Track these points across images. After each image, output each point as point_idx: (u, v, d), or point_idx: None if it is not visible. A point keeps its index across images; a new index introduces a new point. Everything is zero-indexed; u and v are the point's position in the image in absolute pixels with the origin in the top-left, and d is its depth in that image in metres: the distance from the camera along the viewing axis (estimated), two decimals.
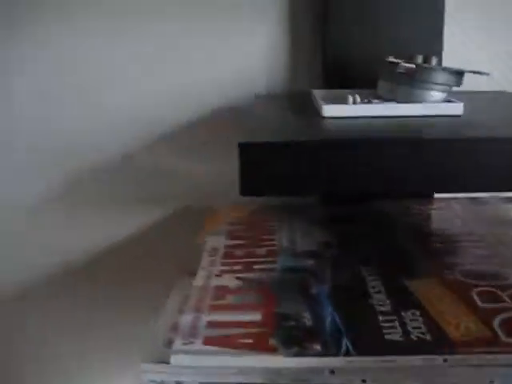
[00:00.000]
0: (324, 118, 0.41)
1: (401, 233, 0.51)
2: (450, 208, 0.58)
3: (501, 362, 0.33)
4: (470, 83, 0.47)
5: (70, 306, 0.71)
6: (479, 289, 0.40)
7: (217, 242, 0.51)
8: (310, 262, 0.45)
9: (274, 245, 0.49)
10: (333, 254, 0.47)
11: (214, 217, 0.58)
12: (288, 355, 0.33)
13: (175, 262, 0.57)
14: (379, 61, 0.46)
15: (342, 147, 0.34)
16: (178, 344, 0.34)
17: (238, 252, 0.48)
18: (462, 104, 0.42)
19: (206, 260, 0.47)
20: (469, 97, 0.46)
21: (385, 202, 0.59)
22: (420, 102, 0.43)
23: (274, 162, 0.34)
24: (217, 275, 0.44)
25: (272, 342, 0.34)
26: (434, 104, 0.42)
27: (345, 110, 0.42)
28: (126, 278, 0.69)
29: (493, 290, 0.40)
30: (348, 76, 0.57)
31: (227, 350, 0.34)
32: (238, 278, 0.43)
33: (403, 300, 0.39)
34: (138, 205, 0.68)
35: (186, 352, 0.34)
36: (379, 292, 0.40)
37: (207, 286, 0.42)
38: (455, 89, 0.44)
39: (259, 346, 0.34)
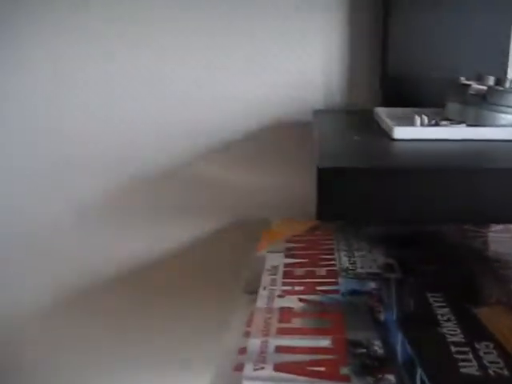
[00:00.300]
0: (394, 139, 0.41)
1: (464, 256, 0.50)
2: (508, 231, 0.56)
3: None
4: None
5: (118, 319, 0.71)
6: None
7: (275, 260, 0.50)
8: (373, 285, 0.44)
9: (333, 265, 0.48)
10: (396, 278, 0.46)
11: (271, 232, 0.58)
12: None
13: (229, 275, 0.57)
14: (448, 81, 0.45)
15: (419, 175, 0.33)
16: (248, 369, 0.34)
17: (299, 272, 0.48)
18: None
19: (266, 279, 0.46)
20: None
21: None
22: (490, 125, 0.42)
23: (353, 188, 0.33)
24: (279, 296, 0.43)
25: (344, 371, 0.34)
26: (505, 128, 0.41)
27: (415, 132, 0.41)
28: (179, 291, 0.69)
29: None
30: (407, 94, 0.56)
31: (299, 377, 0.33)
32: (301, 300, 0.42)
33: (475, 330, 0.38)
34: (192, 216, 0.67)
35: (257, 378, 0.33)
36: (449, 320, 0.39)
37: (271, 308, 0.41)
38: None
39: (331, 374, 0.33)
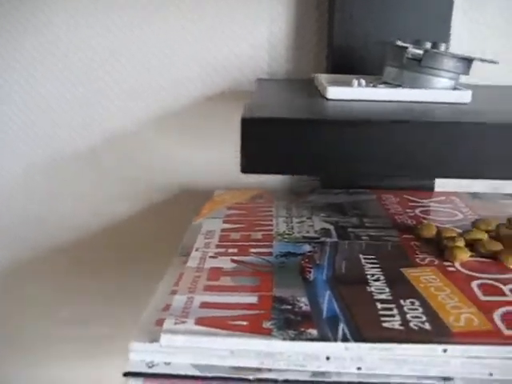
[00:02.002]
0: (328, 99, 0.40)
1: (400, 224, 0.50)
2: (450, 202, 0.57)
3: (501, 354, 0.32)
4: (479, 76, 0.46)
5: (63, 284, 0.70)
6: (479, 281, 0.39)
7: (213, 225, 0.50)
8: (307, 248, 0.44)
9: (270, 230, 0.48)
10: (331, 241, 0.46)
11: (213, 201, 0.57)
12: (284, 339, 0.32)
13: (170, 244, 0.56)
14: (386, 45, 0.45)
15: (346, 127, 0.33)
16: (168, 323, 0.33)
17: (235, 236, 0.47)
18: (469, 92, 0.41)
19: (200, 242, 0.46)
20: (478, 89, 0.45)
21: (385, 193, 0.59)
22: (427, 88, 0.42)
23: (277, 139, 0.33)
24: (211, 257, 0.43)
25: (267, 324, 0.33)
26: (440, 90, 0.41)
27: (349, 92, 0.41)
28: (123, 259, 0.68)
29: (493, 283, 0.39)
30: (353, 62, 0.56)
31: (219, 331, 0.33)
32: (233, 261, 0.42)
33: (402, 288, 0.38)
34: (136, 189, 0.66)
35: (177, 332, 0.33)
36: (378, 280, 0.39)
37: (201, 268, 0.41)
38: (465, 81, 0.43)
39: (253, 328, 0.33)
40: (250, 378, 0.32)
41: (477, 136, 0.33)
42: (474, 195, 0.60)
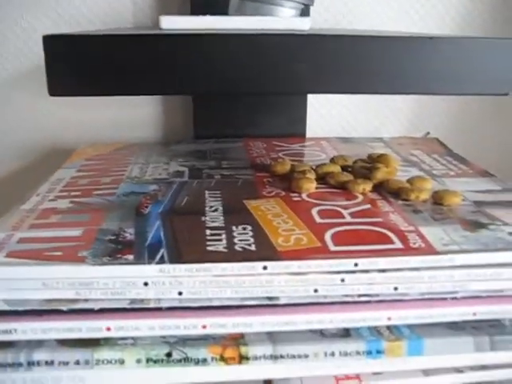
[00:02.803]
0: (161, 29, 0.39)
1: (259, 164, 0.49)
2: (318, 145, 0.56)
3: (325, 268, 0.31)
4: None
5: None
6: (321, 207, 0.39)
7: (64, 174, 0.47)
8: (152, 187, 0.43)
9: (122, 175, 0.46)
10: (181, 181, 0.44)
11: (75, 154, 0.54)
12: (94, 264, 0.30)
13: None
14: None
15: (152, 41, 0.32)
16: None
17: (83, 181, 0.45)
18: (308, 18, 0.40)
19: (44, 188, 0.43)
20: None
21: (254, 140, 0.58)
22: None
23: (84, 57, 0.31)
24: (50, 200, 0.41)
25: (83, 253, 0.31)
26: (275, 18, 0.40)
27: (183, 21, 0.39)
28: None
29: (335, 208, 0.39)
30: (213, 4, 0.54)
31: (30, 261, 0.31)
32: (71, 202, 0.40)
33: (238, 217, 0.37)
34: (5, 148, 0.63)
35: None
36: (215, 210, 0.38)
37: (34, 209, 0.39)
38: None
39: (67, 257, 0.31)
40: (64, 308, 0.30)
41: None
42: (345, 139, 0.59)
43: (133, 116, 0.62)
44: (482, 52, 0.34)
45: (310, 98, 0.62)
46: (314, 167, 0.45)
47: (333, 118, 0.65)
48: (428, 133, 0.65)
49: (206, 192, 0.41)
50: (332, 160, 0.47)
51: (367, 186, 0.41)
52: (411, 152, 0.55)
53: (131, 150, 0.55)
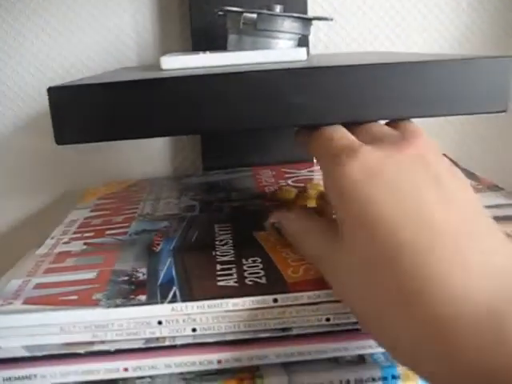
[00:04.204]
0: (163, 70, 0.40)
1: (267, 193, 0.50)
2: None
3: (335, 298, 0.31)
4: None
5: None
6: None
7: (78, 215, 0.48)
8: (164, 224, 0.43)
9: (134, 213, 0.47)
10: (192, 215, 0.45)
11: (87, 193, 0.56)
12: (108, 307, 0.31)
13: None
14: (227, 13, 0.45)
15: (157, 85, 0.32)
16: None
17: (96, 221, 0.46)
18: (304, 48, 0.41)
19: (58, 231, 0.44)
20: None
21: (264, 168, 0.58)
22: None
23: (87, 105, 0.32)
24: (65, 243, 0.41)
25: (97, 296, 0.32)
26: (273, 50, 0.41)
27: (184, 60, 0.40)
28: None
29: None
30: (213, 40, 0.55)
31: (47, 307, 0.31)
32: (85, 244, 0.41)
33: (248, 250, 0.37)
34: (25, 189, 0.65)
35: (2, 313, 0.31)
36: (225, 244, 0.38)
37: (50, 253, 0.40)
38: None
39: (83, 301, 0.32)
40: (81, 351, 0.31)
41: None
42: None
43: (143, 152, 0.63)
44: (476, 72, 0.34)
45: None
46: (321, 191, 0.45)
47: None
48: None
49: (216, 226, 0.42)
50: None
51: None
52: None
53: (142, 187, 0.56)
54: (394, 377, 0.31)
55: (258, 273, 0.34)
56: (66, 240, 0.42)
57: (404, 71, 0.33)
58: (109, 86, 0.32)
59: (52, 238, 0.42)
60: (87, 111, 0.32)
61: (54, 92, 0.32)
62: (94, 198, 0.53)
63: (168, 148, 0.64)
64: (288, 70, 0.33)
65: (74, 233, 0.43)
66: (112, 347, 0.31)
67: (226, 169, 0.59)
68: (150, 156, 0.64)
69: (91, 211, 0.49)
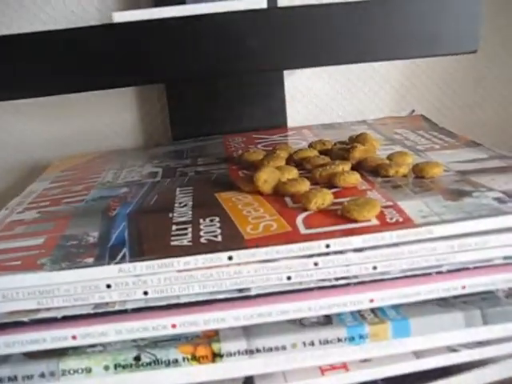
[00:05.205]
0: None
1: (234, 157, 0.48)
2: (299, 134, 0.55)
3: (295, 253, 0.29)
4: None
5: None
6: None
7: (37, 186, 0.46)
8: (123, 190, 0.41)
9: (94, 181, 0.45)
10: (153, 181, 0.43)
11: (51, 167, 0.53)
12: (52, 270, 0.29)
13: None
14: None
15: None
16: None
17: (54, 191, 0.44)
18: None
19: (14, 202, 0.42)
20: None
21: (234, 135, 0.56)
22: None
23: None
24: (18, 212, 0.39)
25: (41, 261, 0.30)
26: (231, 1, 0.39)
27: (137, 14, 0.38)
28: None
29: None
30: None
31: None
32: (38, 213, 0.39)
33: (207, 210, 0.35)
34: None
35: None
36: (184, 206, 0.36)
37: (1, 223, 0.37)
38: None
39: (26, 266, 0.30)
40: (26, 319, 0.29)
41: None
42: (328, 126, 0.58)
43: (110, 124, 0.61)
44: (446, 11, 0.32)
45: (290, 87, 0.60)
46: (291, 152, 0.43)
47: (316, 106, 0.63)
48: (413, 110, 0.63)
49: (178, 189, 0.40)
50: (310, 145, 0.46)
51: (345, 167, 0.39)
52: (395, 131, 0.53)
53: (108, 158, 0.53)
54: (361, 336, 0.29)
55: (214, 231, 0.31)
56: (19, 210, 0.40)
57: (369, 11, 0.31)
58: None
59: (6, 209, 0.40)
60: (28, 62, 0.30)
61: None
62: (57, 171, 0.51)
63: (138, 119, 0.62)
64: (244, 11, 0.31)
65: (30, 203, 0.41)
66: (59, 314, 0.29)
67: (196, 137, 0.57)
68: (117, 127, 0.61)
69: (51, 183, 0.47)
